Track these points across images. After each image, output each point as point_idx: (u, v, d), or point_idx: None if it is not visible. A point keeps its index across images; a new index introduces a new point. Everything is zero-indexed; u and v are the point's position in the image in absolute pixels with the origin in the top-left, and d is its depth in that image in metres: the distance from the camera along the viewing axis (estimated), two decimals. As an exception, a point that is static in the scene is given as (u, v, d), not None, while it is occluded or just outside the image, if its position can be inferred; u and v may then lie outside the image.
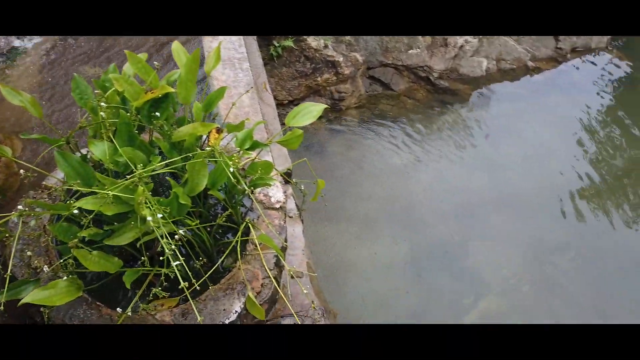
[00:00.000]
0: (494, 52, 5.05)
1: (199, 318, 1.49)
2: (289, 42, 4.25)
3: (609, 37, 5.49)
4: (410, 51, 4.80)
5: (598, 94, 5.08)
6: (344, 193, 4.04)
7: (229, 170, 1.47)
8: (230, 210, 1.69)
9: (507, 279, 3.62)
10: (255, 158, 1.87)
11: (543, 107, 4.89)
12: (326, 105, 1.89)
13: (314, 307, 1.91)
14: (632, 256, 3.76)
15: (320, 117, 4.72)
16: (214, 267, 1.77)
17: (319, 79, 4.49)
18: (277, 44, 4.24)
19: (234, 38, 2.96)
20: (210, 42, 3.00)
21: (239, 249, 1.76)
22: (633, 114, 4.87)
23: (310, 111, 1.82)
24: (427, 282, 3.55)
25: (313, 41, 4.37)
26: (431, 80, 4.86)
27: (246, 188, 1.52)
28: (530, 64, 5.13)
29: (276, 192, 2.11)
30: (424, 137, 4.54)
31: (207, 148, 1.54)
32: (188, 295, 1.40)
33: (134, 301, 1.59)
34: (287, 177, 2.31)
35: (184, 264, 1.42)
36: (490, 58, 5.04)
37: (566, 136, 4.61)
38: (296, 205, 2.45)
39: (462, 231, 3.86)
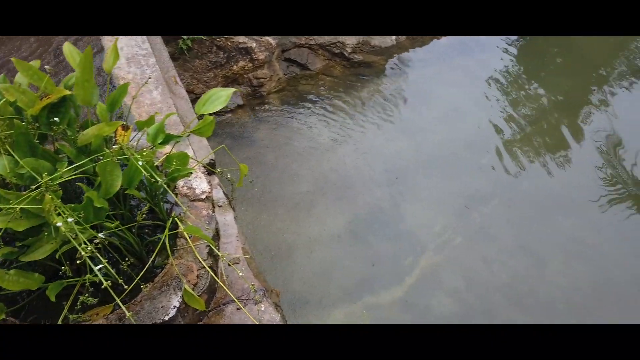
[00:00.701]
0: (401, 21, 5.20)
1: (132, 320, 1.47)
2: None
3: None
4: (321, 29, 4.84)
5: (504, 51, 5.39)
6: (277, 177, 4.06)
7: (139, 165, 1.44)
8: (147, 206, 1.66)
9: (441, 234, 3.81)
10: (171, 151, 1.85)
11: (453, 69, 5.12)
12: (235, 89, 1.89)
13: (254, 290, 1.93)
14: (549, 195, 4.07)
15: (243, 106, 4.68)
16: (146, 267, 1.74)
17: (234, 67, 4.44)
18: (185, 37, 4.13)
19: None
20: (109, 42, 2.89)
21: (167, 245, 1.74)
22: (531, 70, 5.22)
23: (219, 96, 1.82)
24: (367, 249, 3.67)
25: (222, 30, 4.30)
26: (346, 55, 4.95)
27: (159, 181, 1.50)
28: (435, 28, 5.33)
29: (200, 183, 2.09)
30: (347, 111, 4.63)
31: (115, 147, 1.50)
32: (115, 296, 1.37)
33: (63, 314, 1.54)
34: (210, 167, 2.29)
35: (108, 267, 1.39)
36: (398, 27, 5.19)
37: (477, 94, 4.87)
38: (224, 193, 2.45)
39: (394, 196, 4.01)
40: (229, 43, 4.33)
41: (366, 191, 4.01)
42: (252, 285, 1.72)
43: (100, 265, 1.37)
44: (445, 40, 5.40)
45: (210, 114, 1.79)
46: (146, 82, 2.02)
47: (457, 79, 5.04)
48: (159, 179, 1.51)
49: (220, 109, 1.83)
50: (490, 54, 5.34)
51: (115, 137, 1.59)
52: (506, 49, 5.40)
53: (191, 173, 1.80)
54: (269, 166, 4.14)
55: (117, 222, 1.59)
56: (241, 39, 4.38)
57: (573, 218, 3.93)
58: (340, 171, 4.14)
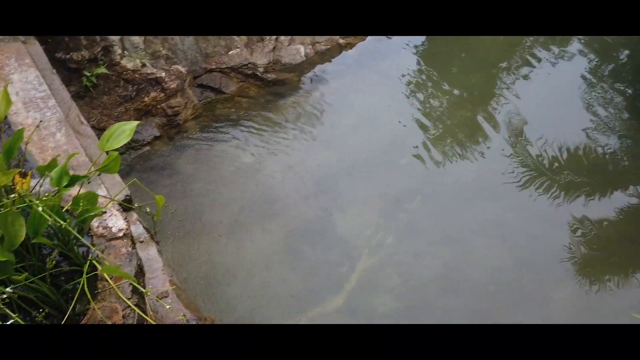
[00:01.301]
0: (307, 38, 5.35)
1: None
2: (101, 69, 4.05)
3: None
4: (230, 52, 4.88)
5: (413, 53, 5.68)
6: (206, 203, 4.01)
7: (39, 211, 1.39)
8: (56, 252, 1.60)
9: (373, 237, 3.93)
10: (79, 192, 1.79)
11: (365, 76, 5.33)
12: (138, 122, 1.87)
13: (185, 320, 1.90)
14: (469, 183, 4.32)
15: (160, 137, 4.58)
16: (66, 316, 1.67)
17: (146, 99, 4.35)
18: (88, 74, 4.01)
19: (30, 77, 2.74)
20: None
21: (86, 290, 1.67)
22: (440, 68, 5.55)
23: (123, 131, 1.79)
24: (305, 262, 3.71)
25: (128, 62, 4.22)
26: (259, 75, 5.00)
27: (64, 224, 1.45)
28: (341, 41, 5.54)
29: (116, 221, 2.03)
30: (267, 129, 4.68)
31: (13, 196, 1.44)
32: (31, 351, 1.30)
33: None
34: (126, 203, 2.23)
35: (20, 321, 1.32)
36: (306, 44, 5.34)
37: (391, 97, 5.09)
38: (145, 228, 2.39)
39: (324, 206, 4.09)
40: (137, 75, 4.25)
41: (297, 205, 4.06)
42: (183, 315, 1.70)
43: (11, 320, 1.30)
44: (354, 50, 5.61)
45: (121, 148, 1.76)
46: (38, 126, 1.95)
47: (371, 84, 5.24)
48: (63, 223, 1.46)
49: (137, 143, 1.81)
50: (400, 57, 5.61)
51: (14, 185, 1.52)
52: (415, 51, 5.70)
53: (104, 212, 1.75)
54: (195, 194, 4.08)
55: (26, 274, 1.52)
56: (149, 70, 4.31)
57: (493, 202, 4.19)
58: (269, 189, 4.16)
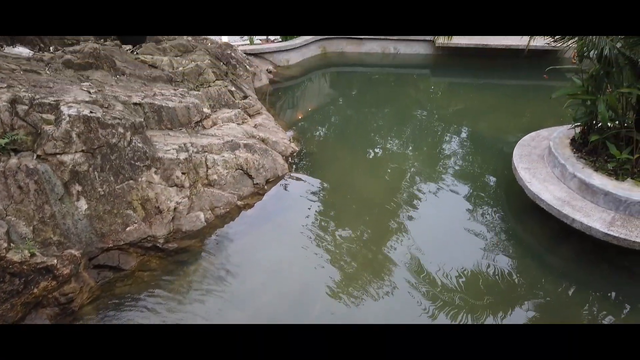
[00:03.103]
0: (206, 204, 5.54)
1: None
2: (-17, 266, 3.76)
3: (287, 169, 6.71)
4: (128, 228, 4.85)
5: (307, 208, 6.04)
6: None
7: None
8: None
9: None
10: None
11: (266, 232, 5.51)
12: None
13: None
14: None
15: (51, 330, 4.16)
16: None
17: (35, 290, 4.05)
18: (-33, 274, 3.69)
19: None
20: None
21: None
22: (333, 215, 5.95)
23: None
24: None
25: (15, 255, 3.99)
26: (159, 247, 4.96)
27: None
28: (239, 203, 5.80)
29: None
30: (172, 298, 4.50)
31: None
32: None
33: None
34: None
35: None
36: (205, 209, 5.50)
37: (295, 250, 5.25)
38: None
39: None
40: (25, 267, 4.00)
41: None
42: None
43: None
44: (253, 210, 5.86)
45: None
46: None
47: (274, 240, 5.40)
48: None
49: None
50: (298, 210, 5.94)
51: None
52: (310, 205, 6.08)
53: None
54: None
55: None
56: (39, 259, 4.09)
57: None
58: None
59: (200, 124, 6.40)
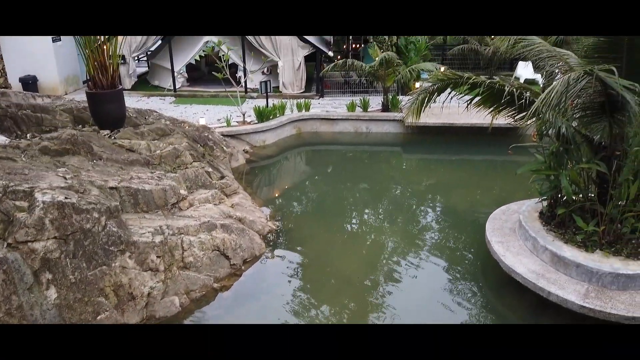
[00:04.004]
0: (181, 287, 5.41)
1: None
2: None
3: (265, 248, 6.71)
4: (99, 317, 4.67)
5: (287, 281, 5.96)
6: None
7: None
8: None
9: None
10: None
11: (246, 314, 5.37)
12: None
13: None
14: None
15: None
16: None
17: (-5, 390, 3.78)
18: None
19: None
20: None
21: None
22: (313, 292, 5.86)
23: None
24: None
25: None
26: (131, 335, 4.75)
27: None
28: (216, 285, 5.69)
29: None
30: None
31: None
32: None
33: None
34: None
35: None
36: (180, 293, 5.36)
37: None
38: None
39: None
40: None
41: None
42: None
43: None
44: (230, 291, 5.74)
45: None
46: None
47: (250, 322, 5.25)
48: None
49: None
50: (278, 288, 5.85)
51: None
52: (289, 280, 6.00)
53: None
54: None
55: None
56: None
57: None
58: None
59: (177, 205, 6.41)
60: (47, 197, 4.66)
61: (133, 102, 12.75)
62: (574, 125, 5.81)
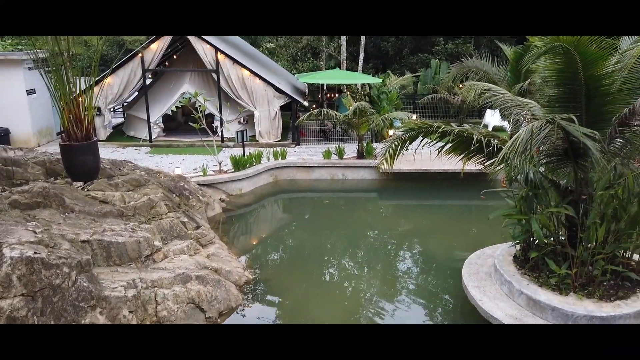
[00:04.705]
0: None
1: None
2: None
3: (242, 299, 6.58)
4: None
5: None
6: None
7: None
8: None
9: None
10: None
11: None
12: None
13: None
14: None
15: None
16: None
17: None
18: None
19: None
20: None
21: None
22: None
23: None
24: None
25: None
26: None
27: None
28: None
29: None
30: None
31: None
32: None
33: None
34: None
35: None
36: None
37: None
38: None
39: None
40: None
41: None
42: None
43: None
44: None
45: None
46: None
47: None
48: None
49: None
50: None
51: None
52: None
53: None
54: None
55: None
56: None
57: None
58: None
59: (151, 257, 6.28)
60: (15, 252, 4.52)
61: (108, 153, 12.68)
62: (541, 171, 6.02)
